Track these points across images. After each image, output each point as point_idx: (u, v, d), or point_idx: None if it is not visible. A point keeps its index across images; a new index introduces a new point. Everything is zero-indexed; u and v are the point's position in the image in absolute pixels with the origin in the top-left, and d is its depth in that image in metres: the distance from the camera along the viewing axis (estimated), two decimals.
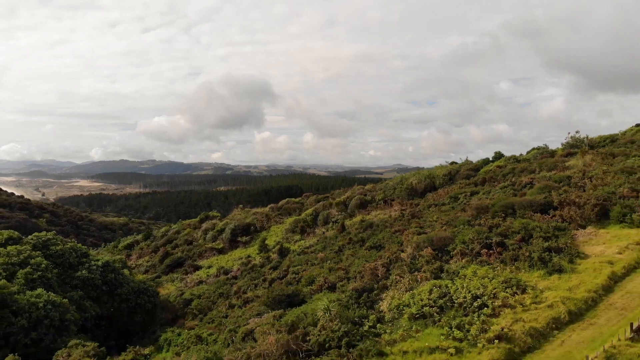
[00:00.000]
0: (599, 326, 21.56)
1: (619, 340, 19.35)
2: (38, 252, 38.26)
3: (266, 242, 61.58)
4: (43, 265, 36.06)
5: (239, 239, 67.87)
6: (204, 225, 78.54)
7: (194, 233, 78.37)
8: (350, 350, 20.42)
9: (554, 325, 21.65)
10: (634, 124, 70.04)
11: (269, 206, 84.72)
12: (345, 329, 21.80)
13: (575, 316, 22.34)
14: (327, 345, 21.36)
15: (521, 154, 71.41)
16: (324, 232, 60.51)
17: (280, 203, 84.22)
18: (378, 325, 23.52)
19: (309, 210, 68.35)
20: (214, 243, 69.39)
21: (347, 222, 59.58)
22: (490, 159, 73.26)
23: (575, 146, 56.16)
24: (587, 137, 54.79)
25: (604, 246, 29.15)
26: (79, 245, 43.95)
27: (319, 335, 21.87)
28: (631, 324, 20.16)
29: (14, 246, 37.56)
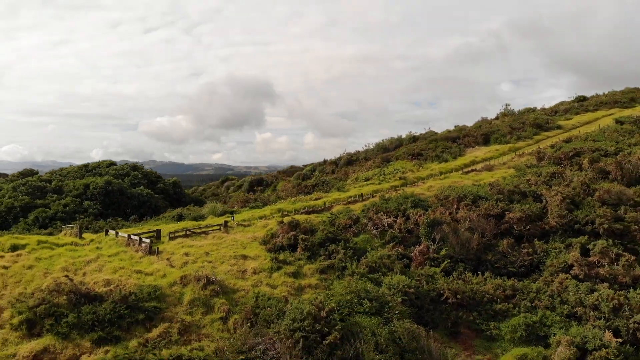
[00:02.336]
0: (448, 171, 42.38)
1: (455, 173, 40.38)
2: (132, 170, 59.25)
3: (276, 187, 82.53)
4: (140, 176, 57.07)
5: (255, 188, 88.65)
6: (226, 184, 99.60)
7: (218, 189, 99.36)
8: (327, 185, 41.29)
9: (430, 176, 42.62)
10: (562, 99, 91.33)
11: (277, 171, 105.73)
12: (326, 179, 42.73)
13: (443, 175, 43.23)
14: (315, 185, 42.24)
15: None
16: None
17: (285, 168, 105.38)
18: (344, 184, 44.47)
19: (309, 166, 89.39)
20: (235, 193, 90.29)
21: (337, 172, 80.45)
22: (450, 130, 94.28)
23: (503, 114, 77.18)
24: (507, 106, 76.10)
25: (478, 152, 50.12)
26: (153, 171, 65.06)
27: (312, 182, 42.80)
28: (461, 168, 41.20)
29: (119, 165, 58.56)
